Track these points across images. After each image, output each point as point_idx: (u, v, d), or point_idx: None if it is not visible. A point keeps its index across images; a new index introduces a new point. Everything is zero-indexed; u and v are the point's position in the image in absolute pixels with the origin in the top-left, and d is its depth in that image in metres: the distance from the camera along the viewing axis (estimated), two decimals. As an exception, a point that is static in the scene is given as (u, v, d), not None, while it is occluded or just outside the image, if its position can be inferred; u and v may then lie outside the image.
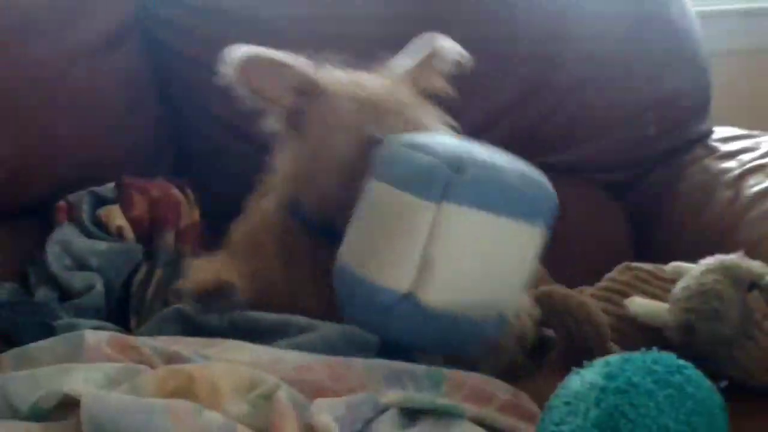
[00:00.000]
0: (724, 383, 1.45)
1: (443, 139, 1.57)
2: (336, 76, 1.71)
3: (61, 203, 1.86)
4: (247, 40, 2.11)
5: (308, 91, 1.67)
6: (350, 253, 1.53)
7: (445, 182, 1.45)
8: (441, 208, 1.44)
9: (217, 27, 2.18)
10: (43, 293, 1.75)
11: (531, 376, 1.65)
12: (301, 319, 1.58)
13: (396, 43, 2.08)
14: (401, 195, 1.46)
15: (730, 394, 1.35)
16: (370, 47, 2.05)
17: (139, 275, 1.81)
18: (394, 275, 1.46)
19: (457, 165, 1.46)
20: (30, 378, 1.33)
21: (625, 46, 2.41)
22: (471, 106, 2.29)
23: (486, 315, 1.51)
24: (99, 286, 1.74)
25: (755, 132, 2.48)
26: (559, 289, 1.62)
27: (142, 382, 1.32)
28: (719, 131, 2.51)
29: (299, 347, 1.50)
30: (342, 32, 2.18)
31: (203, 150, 2.19)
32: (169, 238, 1.88)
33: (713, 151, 2.43)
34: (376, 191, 1.51)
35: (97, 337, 1.45)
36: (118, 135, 2.03)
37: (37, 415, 1.29)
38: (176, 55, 2.18)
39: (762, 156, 2.32)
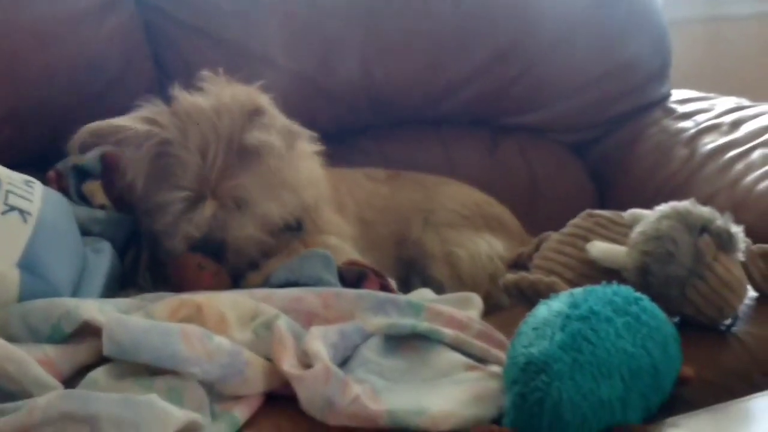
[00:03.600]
0: (676, 319, 1.59)
1: None
2: None
3: (51, 173, 1.91)
4: (238, 7, 2.25)
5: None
6: None
7: None
8: None
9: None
10: None
11: (504, 310, 1.80)
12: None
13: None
14: None
15: (683, 329, 1.50)
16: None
17: (128, 258, 1.86)
18: None
19: None
20: (48, 304, 1.46)
21: (590, 13, 2.53)
22: (441, 70, 2.42)
23: None
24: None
25: (711, 94, 2.63)
26: (527, 276, 1.73)
27: (154, 311, 1.46)
28: (677, 94, 2.66)
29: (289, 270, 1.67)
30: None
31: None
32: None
33: (671, 112, 2.58)
34: None
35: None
36: (112, 94, 2.11)
37: (56, 337, 1.42)
38: (169, 20, 2.25)
39: (716, 116, 2.47)
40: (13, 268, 1.49)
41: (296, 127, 1.81)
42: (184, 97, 1.82)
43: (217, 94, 1.81)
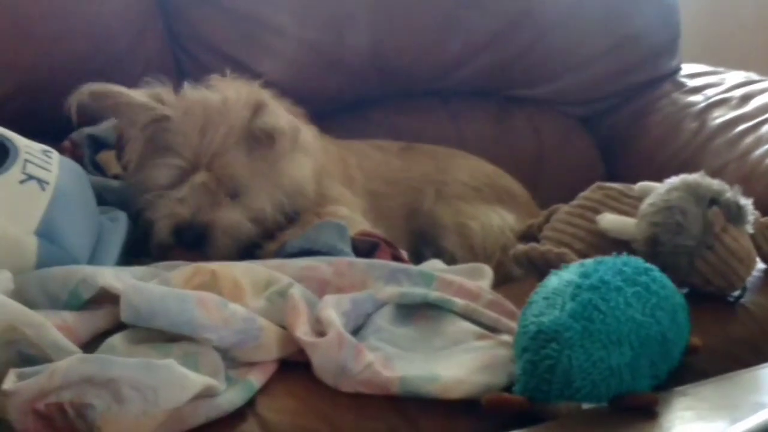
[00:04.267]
0: (685, 290, 1.61)
1: None
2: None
3: (66, 143, 1.93)
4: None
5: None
6: None
7: None
8: None
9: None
10: None
11: (515, 281, 1.82)
12: None
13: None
14: None
15: (692, 300, 1.51)
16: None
17: (141, 227, 1.84)
18: None
19: None
20: (66, 271, 1.48)
21: (600, -16, 2.55)
22: (452, 39, 2.43)
23: None
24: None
25: (720, 69, 2.64)
26: (537, 247, 1.74)
27: (170, 278, 1.48)
28: (687, 68, 2.67)
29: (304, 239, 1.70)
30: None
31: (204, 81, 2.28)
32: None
33: (681, 86, 2.59)
34: None
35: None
36: (125, 65, 2.13)
37: (73, 303, 1.44)
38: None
39: (726, 91, 2.48)
40: (31, 236, 1.50)
41: (297, 121, 1.82)
42: (191, 88, 1.83)
43: (223, 89, 1.82)
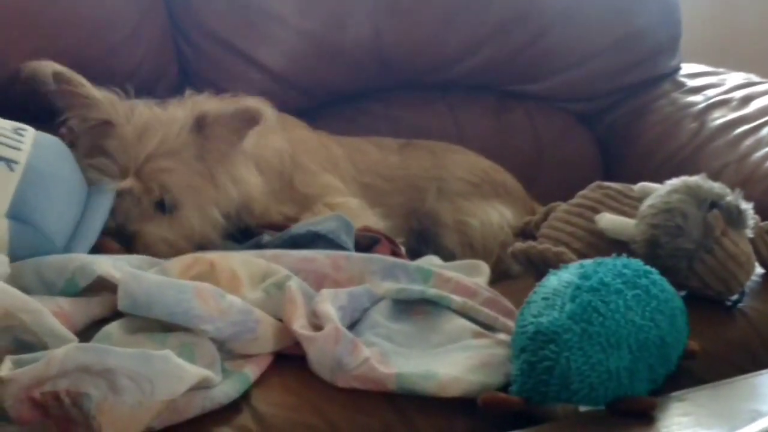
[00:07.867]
0: (683, 293, 1.61)
1: None
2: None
3: (63, 129, 1.85)
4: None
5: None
6: None
7: None
8: None
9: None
10: None
11: (513, 277, 1.82)
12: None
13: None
14: None
15: (690, 303, 1.51)
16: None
17: None
18: None
19: None
20: (63, 259, 1.47)
21: (601, -18, 2.54)
22: (452, 34, 2.42)
23: None
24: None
25: (720, 69, 2.63)
26: (536, 245, 1.73)
27: (168, 267, 1.47)
28: (687, 67, 2.66)
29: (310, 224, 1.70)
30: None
31: (204, 69, 2.25)
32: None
33: (681, 85, 2.58)
34: None
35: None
36: (126, 49, 2.11)
37: (69, 291, 1.44)
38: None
39: (726, 92, 2.47)
40: (1, 219, 1.49)
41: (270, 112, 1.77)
42: (144, 105, 1.80)
43: (175, 107, 1.81)
